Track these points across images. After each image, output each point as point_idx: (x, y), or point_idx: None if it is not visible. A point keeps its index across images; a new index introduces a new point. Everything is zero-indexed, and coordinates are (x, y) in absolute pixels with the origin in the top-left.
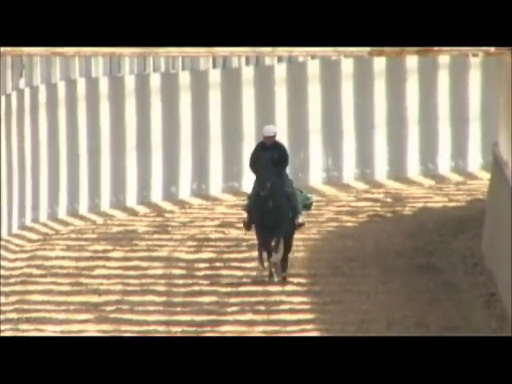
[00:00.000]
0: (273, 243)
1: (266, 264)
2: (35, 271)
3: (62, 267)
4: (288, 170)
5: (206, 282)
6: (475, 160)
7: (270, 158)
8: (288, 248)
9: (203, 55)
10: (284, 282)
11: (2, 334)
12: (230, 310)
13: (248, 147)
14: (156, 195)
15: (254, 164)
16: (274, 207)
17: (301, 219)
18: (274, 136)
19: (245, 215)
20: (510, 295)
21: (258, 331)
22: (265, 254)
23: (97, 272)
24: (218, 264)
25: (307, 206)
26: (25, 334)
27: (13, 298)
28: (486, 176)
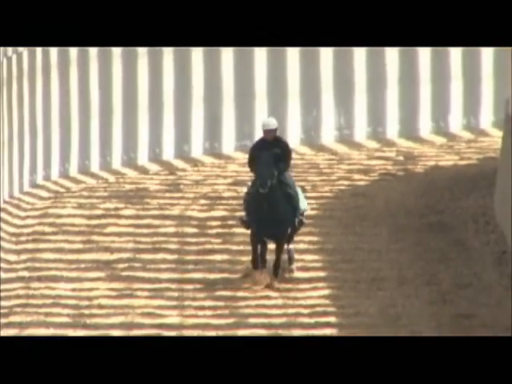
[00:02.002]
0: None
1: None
2: (47, 229)
3: (73, 225)
4: (300, 129)
5: (218, 240)
6: (487, 117)
7: (271, 156)
8: (281, 251)
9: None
10: (272, 288)
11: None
12: (241, 267)
13: (260, 105)
14: (168, 153)
15: (254, 162)
16: (273, 208)
17: (301, 219)
18: (275, 130)
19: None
20: None
21: (269, 289)
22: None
23: (108, 230)
24: (230, 222)
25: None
26: (36, 293)
27: (24, 256)
28: (497, 134)
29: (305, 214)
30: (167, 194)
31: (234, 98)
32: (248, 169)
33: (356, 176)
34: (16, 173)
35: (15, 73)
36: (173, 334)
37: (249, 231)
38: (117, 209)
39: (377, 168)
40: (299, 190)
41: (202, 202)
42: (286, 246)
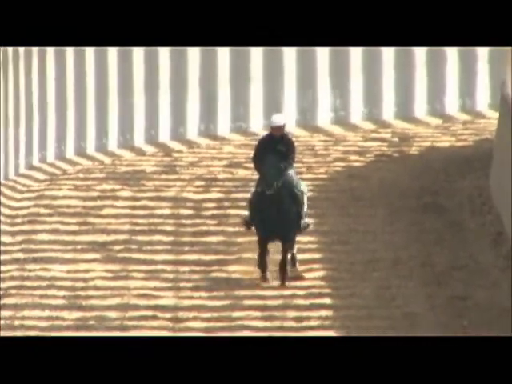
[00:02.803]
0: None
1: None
2: (42, 211)
3: (69, 207)
4: (296, 110)
5: (213, 221)
6: (483, 99)
7: (278, 154)
8: (287, 251)
9: None
10: (283, 286)
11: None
12: (237, 249)
13: (256, 87)
14: (164, 135)
15: (260, 159)
16: (278, 209)
17: (307, 221)
18: (283, 126)
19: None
20: None
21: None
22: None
23: (104, 212)
24: (225, 204)
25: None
26: (31, 274)
27: (19, 238)
28: (494, 115)
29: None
30: (163, 176)
31: (229, 79)
32: (243, 150)
33: (351, 157)
34: (12, 155)
35: (11, 55)
36: (168, 315)
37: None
38: (113, 190)
39: (372, 149)
40: (303, 185)
41: (198, 183)
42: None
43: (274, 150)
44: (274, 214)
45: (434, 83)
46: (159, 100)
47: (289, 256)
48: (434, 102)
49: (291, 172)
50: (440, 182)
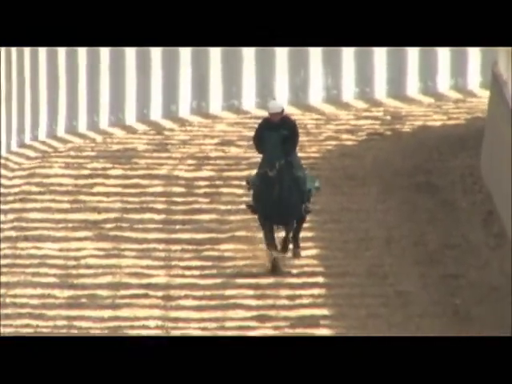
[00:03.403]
0: (280, 233)
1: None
2: (34, 189)
3: (60, 185)
4: (288, 89)
5: (205, 199)
6: (475, 77)
7: (279, 137)
8: (289, 233)
9: None
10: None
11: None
12: (229, 227)
13: (248, 65)
14: (156, 113)
15: (260, 142)
16: (281, 193)
17: (309, 206)
18: (282, 112)
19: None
20: (509, 213)
21: (257, 248)
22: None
23: (96, 190)
24: (217, 182)
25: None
26: (23, 253)
27: (11, 216)
28: (485, 94)
29: (313, 193)
30: (155, 154)
31: (221, 57)
32: (235, 128)
33: (344, 136)
34: (3, 133)
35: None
36: (159, 293)
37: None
38: (104, 169)
39: (364, 128)
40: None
41: (190, 161)
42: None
43: (276, 133)
44: (275, 196)
45: (426, 62)
46: (151, 78)
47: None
48: (426, 80)
49: (294, 155)
50: (432, 161)
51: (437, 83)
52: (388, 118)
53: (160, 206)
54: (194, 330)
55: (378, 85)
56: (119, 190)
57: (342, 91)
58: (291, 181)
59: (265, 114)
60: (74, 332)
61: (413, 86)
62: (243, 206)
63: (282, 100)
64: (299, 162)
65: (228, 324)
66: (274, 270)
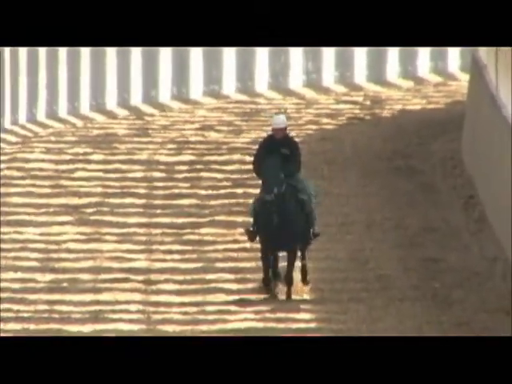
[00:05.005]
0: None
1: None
2: (15, 174)
3: (41, 170)
4: (268, 73)
5: (185, 184)
6: (454, 60)
7: (280, 158)
8: (294, 262)
9: None
10: (289, 299)
11: None
12: (209, 211)
13: (228, 51)
14: (136, 98)
15: (260, 163)
16: (285, 217)
17: (317, 228)
18: (285, 128)
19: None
20: (490, 197)
21: (238, 233)
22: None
23: (77, 175)
24: (198, 167)
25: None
26: (5, 237)
27: None
28: (465, 78)
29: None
30: (135, 139)
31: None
32: (215, 114)
33: (324, 120)
34: None
35: None
36: (140, 278)
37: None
38: (85, 153)
39: (344, 112)
40: (311, 186)
41: (170, 146)
42: (299, 261)
43: (277, 152)
44: (277, 222)
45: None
46: (131, 63)
47: (298, 264)
48: (406, 64)
49: (298, 176)
50: (412, 145)
51: (417, 67)
52: (368, 102)
53: (141, 191)
54: (174, 315)
55: (358, 69)
56: (100, 174)
57: (321, 75)
58: (294, 204)
59: (245, 98)
60: (55, 317)
61: (392, 71)
62: (223, 191)
63: (262, 84)
64: (304, 183)
65: (208, 308)
66: (275, 296)
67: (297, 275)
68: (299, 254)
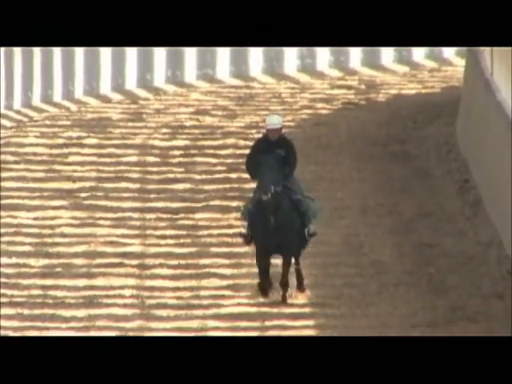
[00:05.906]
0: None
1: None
2: (9, 158)
3: (35, 154)
4: (262, 58)
5: (180, 169)
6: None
7: (275, 158)
8: (289, 265)
9: None
10: (284, 303)
11: None
12: (203, 196)
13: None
14: (130, 82)
15: (254, 165)
16: (280, 218)
17: (312, 228)
18: (281, 129)
19: (244, 225)
20: (485, 182)
21: (231, 218)
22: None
23: (71, 159)
24: (192, 151)
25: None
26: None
27: None
28: (460, 63)
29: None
30: (129, 124)
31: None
32: (209, 97)
33: (318, 105)
34: None
35: None
36: (134, 262)
37: (247, 246)
38: (79, 138)
39: (339, 97)
40: (303, 187)
41: (164, 130)
42: (293, 265)
43: (272, 154)
44: (272, 223)
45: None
46: (125, 47)
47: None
48: (401, 49)
49: (293, 177)
50: (407, 130)
51: (412, 52)
52: (363, 87)
53: (135, 175)
54: (168, 299)
55: (353, 54)
56: (94, 159)
57: (316, 60)
58: (289, 205)
59: (239, 82)
60: (49, 302)
61: (387, 55)
62: (218, 176)
63: (256, 68)
64: (299, 185)
65: (202, 293)
66: (266, 294)
67: (292, 281)
68: (293, 260)
